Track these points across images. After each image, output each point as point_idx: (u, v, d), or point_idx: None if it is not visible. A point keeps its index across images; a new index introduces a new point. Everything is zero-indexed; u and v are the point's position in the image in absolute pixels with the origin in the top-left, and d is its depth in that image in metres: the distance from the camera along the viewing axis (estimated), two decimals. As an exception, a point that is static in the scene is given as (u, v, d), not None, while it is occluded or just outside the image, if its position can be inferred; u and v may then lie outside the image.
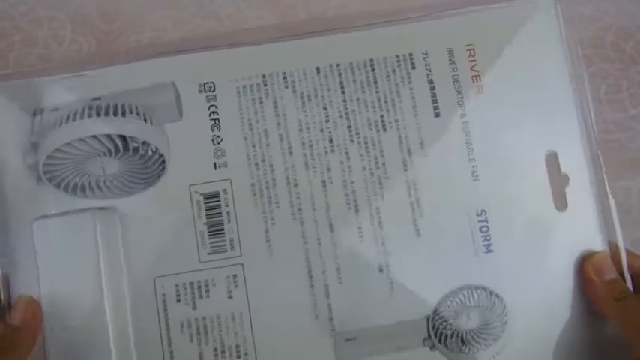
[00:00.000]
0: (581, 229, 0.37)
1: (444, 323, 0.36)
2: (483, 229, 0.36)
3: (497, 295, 0.36)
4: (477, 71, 0.37)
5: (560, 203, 0.37)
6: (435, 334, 0.36)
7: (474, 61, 0.37)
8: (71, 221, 0.35)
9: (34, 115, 0.36)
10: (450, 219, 0.36)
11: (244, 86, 0.36)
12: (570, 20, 0.38)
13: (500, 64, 0.37)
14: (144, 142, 0.35)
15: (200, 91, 0.36)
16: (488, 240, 0.36)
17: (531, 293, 0.36)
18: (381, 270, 0.36)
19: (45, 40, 0.37)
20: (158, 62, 0.36)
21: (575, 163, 0.37)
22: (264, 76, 0.37)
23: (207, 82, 0.36)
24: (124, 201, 0.36)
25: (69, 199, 0.36)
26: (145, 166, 0.35)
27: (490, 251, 0.36)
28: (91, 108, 0.35)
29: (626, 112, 0.51)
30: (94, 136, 0.34)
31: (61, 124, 0.35)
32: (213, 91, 0.36)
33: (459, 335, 0.36)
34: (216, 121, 0.36)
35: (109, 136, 0.35)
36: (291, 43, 0.37)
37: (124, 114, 0.35)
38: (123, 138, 0.35)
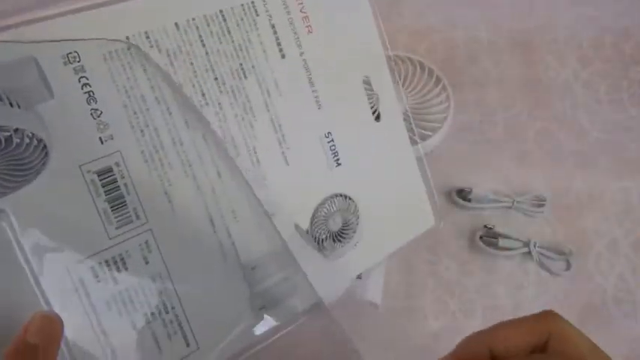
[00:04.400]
0: (393, 136, 0.47)
1: (319, 230, 0.43)
2: (332, 148, 0.43)
3: (349, 198, 0.44)
4: (305, 12, 0.42)
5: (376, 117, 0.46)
6: (316, 240, 0.43)
7: (302, 3, 0.42)
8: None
9: None
10: (307, 144, 0.42)
11: (110, 52, 0.35)
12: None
13: (321, 3, 0.43)
14: (16, 130, 0.31)
15: (65, 64, 0.33)
16: (337, 156, 0.44)
17: (374, 191, 0.46)
18: (266, 202, 0.40)
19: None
20: (9, 34, 0.32)
21: (384, 85, 0.46)
22: (127, 38, 0.35)
23: (71, 53, 0.33)
24: (9, 199, 0.32)
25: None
26: (24, 155, 0.32)
27: (339, 164, 0.44)
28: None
29: (626, 112, 0.54)
30: (-51, 133, 0.29)
31: None
32: (79, 61, 0.34)
33: (331, 236, 0.44)
34: (91, 94, 0.34)
35: (-31, 130, 0.30)
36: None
37: (-18, 101, 0.31)
38: (-12, 129, 0.30)
